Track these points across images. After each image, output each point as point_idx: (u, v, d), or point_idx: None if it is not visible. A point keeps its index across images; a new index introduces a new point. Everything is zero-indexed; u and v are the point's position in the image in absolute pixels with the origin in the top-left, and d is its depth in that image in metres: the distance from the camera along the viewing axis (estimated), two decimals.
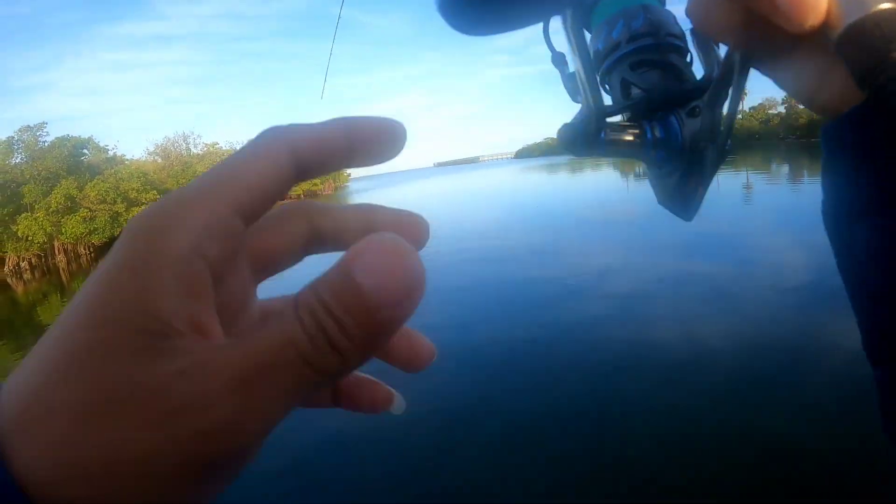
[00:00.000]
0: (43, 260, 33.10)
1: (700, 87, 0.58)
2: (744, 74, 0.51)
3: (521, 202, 32.05)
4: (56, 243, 33.50)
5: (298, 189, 67.69)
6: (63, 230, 32.76)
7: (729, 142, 0.57)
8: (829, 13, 0.30)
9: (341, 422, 5.25)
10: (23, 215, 31.27)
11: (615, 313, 9.45)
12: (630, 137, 0.62)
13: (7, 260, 31.26)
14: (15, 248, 31.05)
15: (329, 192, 75.40)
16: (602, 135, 0.61)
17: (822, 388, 5.82)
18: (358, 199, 61.03)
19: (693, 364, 6.97)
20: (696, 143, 0.59)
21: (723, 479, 4.25)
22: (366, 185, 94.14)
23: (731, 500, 3.96)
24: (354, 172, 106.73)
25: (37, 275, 30.24)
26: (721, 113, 0.56)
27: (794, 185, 24.65)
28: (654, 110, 0.60)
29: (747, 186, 25.36)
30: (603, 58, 0.62)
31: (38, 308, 21.81)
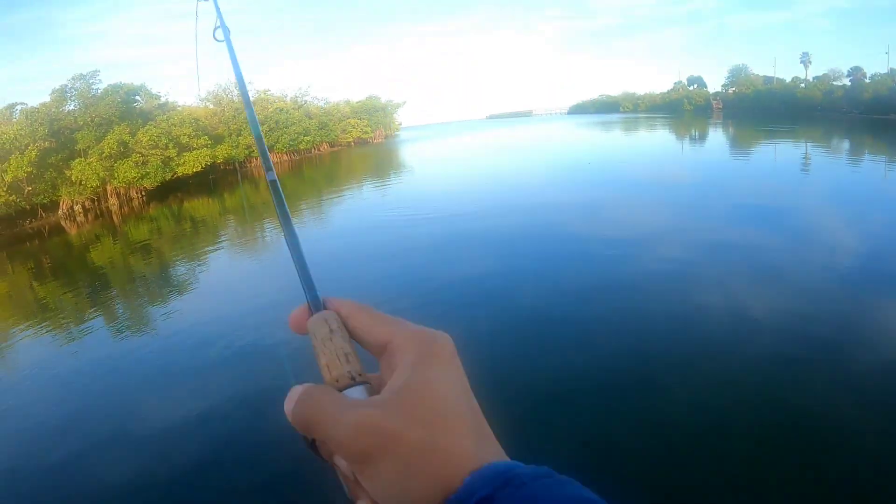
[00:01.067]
0: (96, 203, 33.26)
1: None
2: None
3: (573, 158, 31.63)
4: (108, 187, 33.55)
5: (349, 136, 68.13)
6: (116, 175, 32.81)
7: None
8: None
9: None
10: (76, 160, 31.22)
11: (660, 279, 9.25)
12: None
13: (61, 204, 31.30)
14: (69, 192, 31.02)
15: (380, 139, 74.96)
16: None
17: (866, 372, 5.65)
18: (407, 147, 61.78)
19: (735, 337, 6.80)
20: None
21: (758, 457, 4.44)
22: (416, 135, 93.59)
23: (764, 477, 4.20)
24: (405, 121, 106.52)
25: (90, 218, 30.56)
26: None
27: (853, 162, 23.50)
28: None
29: (805, 159, 24.23)
30: None
31: (90, 249, 21.74)
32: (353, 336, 0.55)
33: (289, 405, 0.51)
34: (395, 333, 0.54)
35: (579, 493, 0.43)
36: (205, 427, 6.44)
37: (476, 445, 0.47)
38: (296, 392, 0.51)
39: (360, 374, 0.53)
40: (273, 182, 0.68)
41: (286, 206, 0.66)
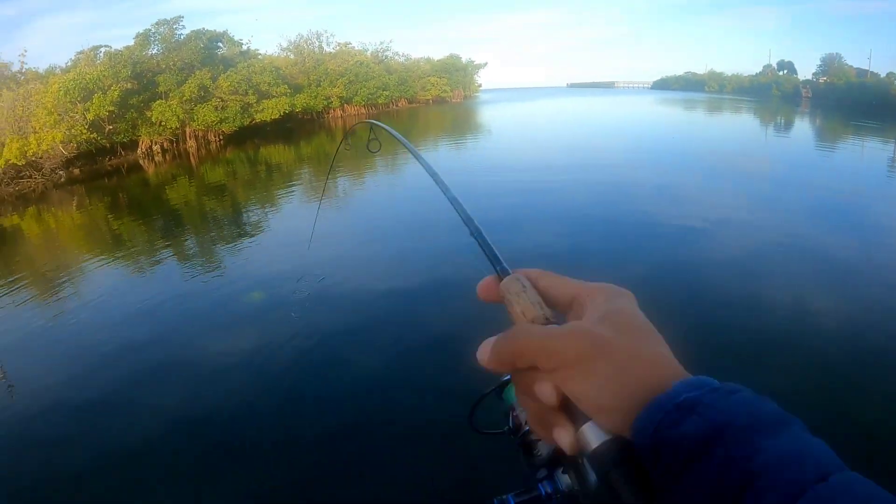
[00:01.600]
0: (174, 144, 33.53)
1: (554, 457, 0.93)
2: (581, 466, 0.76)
3: (651, 136, 30.38)
4: (187, 129, 33.75)
5: (428, 94, 67.79)
6: (195, 117, 32.95)
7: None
8: (580, 447, 0.52)
9: None
10: (157, 102, 31.41)
11: (722, 269, 8.53)
12: (532, 496, 0.98)
13: (140, 143, 31.56)
14: (148, 132, 31.25)
15: (458, 99, 74.28)
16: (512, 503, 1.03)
17: None
18: (486, 108, 61.55)
19: (798, 338, 6.34)
20: (571, 492, 0.88)
21: None
22: (496, 97, 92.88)
23: None
24: (485, 83, 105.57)
25: (167, 158, 30.91)
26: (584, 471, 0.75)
27: None
28: (546, 474, 0.94)
29: (894, 160, 22.78)
30: (517, 429, 1.05)
31: (166, 188, 21.83)
32: (541, 295, 0.60)
33: (486, 348, 0.56)
34: (582, 287, 0.59)
35: (776, 408, 0.46)
36: (254, 367, 6.43)
37: (675, 361, 0.53)
38: (490, 339, 0.56)
39: (553, 317, 0.58)
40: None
41: (464, 207, 0.81)
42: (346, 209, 15.31)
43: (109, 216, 17.47)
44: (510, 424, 1.06)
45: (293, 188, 18.29)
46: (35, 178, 23.82)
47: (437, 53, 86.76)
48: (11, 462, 5.12)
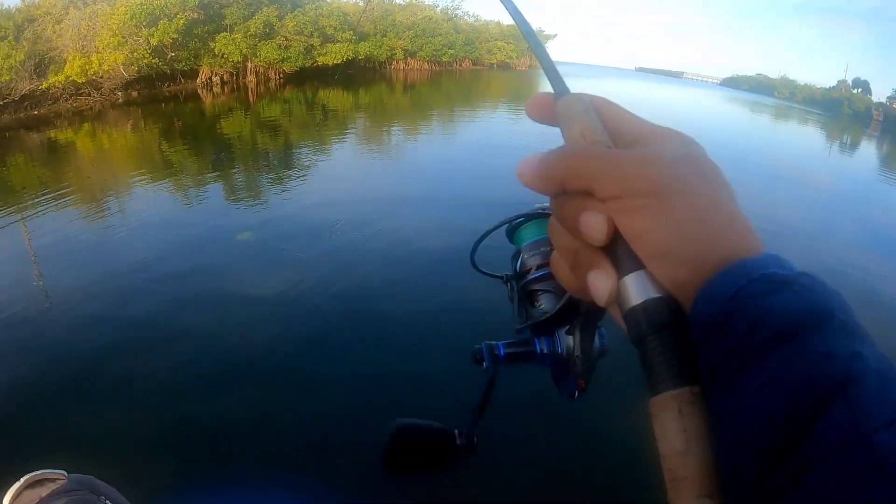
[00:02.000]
0: (234, 78, 33.39)
1: (563, 312, 0.81)
2: (590, 322, 0.80)
3: (714, 132, 29.64)
4: (249, 64, 33.55)
5: (493, 58, 66.81)
6: (258, 53, 32.68)
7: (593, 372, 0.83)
8: (617, 300, 0.43)
9: None
10: (221, 34, 31.24)
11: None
12: (524, 350, 0.88)
13: (201, 73, 31.50)
14: (210, 63, 31.10)
15: (524, 68, 73.02)
16: (502, 352, 0.88)
17: None
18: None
19: None
20: (570, 355, 0.83)
21: None
22: (562, 71, 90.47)
23: None
24: (553, 56, 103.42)
25: (226, 90, 30.91)
26: (591, 337, 0.82)
27: None
28: (544, 330, 0.85)
29: None
30: (522, 275, 0.90)
31: (221, 119, 21.72)
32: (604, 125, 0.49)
33: (532, 161, 0.47)
34: (650, 127, 0.49)
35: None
36: (288, 307, 6.30)
37: (757, 235, 0.44)
38: (539, 153, 0.47)
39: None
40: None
41: (527, 22, 0.67)
42: (401, 156, 15.43)
43: (162, 140, 17.48)
44: (516, 269, 0.91)
45: (346, 134, 18.05)
46: (93, 96, 23.99)
47: (508, 19, 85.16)
48: (35, 358, 5.23)
